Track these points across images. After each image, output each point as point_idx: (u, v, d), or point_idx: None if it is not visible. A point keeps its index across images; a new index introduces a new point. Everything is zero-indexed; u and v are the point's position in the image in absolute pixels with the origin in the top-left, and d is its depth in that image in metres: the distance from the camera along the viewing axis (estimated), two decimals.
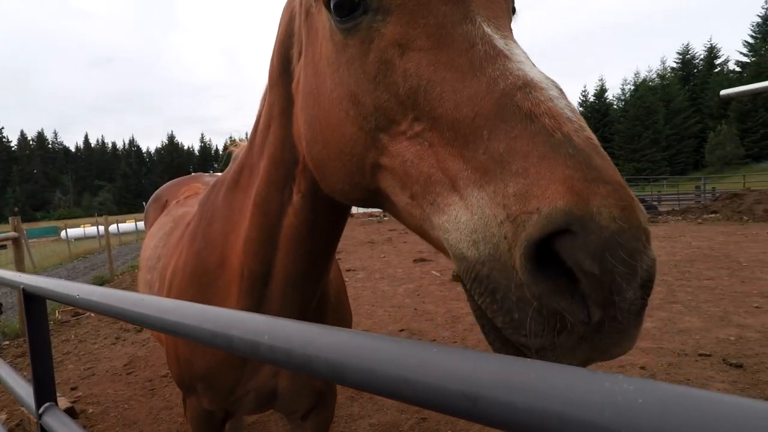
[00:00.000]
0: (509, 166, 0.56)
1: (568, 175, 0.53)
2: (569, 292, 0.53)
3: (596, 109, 79.61)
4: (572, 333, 0.54)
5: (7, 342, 6.76)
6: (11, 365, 5.54)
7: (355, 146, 0.79)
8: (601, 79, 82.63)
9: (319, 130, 0.87)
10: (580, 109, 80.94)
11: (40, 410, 1.29)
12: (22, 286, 1.32)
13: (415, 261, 11.32)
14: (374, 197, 0.84)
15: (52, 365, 1.34)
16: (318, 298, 1.41)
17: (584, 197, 0.52)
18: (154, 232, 2.49)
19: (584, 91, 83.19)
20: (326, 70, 0.84)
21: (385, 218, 32.56)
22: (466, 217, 0.61)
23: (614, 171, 0.56)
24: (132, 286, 10.88)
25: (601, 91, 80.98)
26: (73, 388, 4.91)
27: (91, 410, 4.38)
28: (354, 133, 0.78)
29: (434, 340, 5.60)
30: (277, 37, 1.14)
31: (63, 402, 4.17)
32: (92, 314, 8.04)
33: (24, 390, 1.47)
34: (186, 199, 2.61)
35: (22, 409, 4.17)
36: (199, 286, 1.45)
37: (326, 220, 1.17)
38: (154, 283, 2.05)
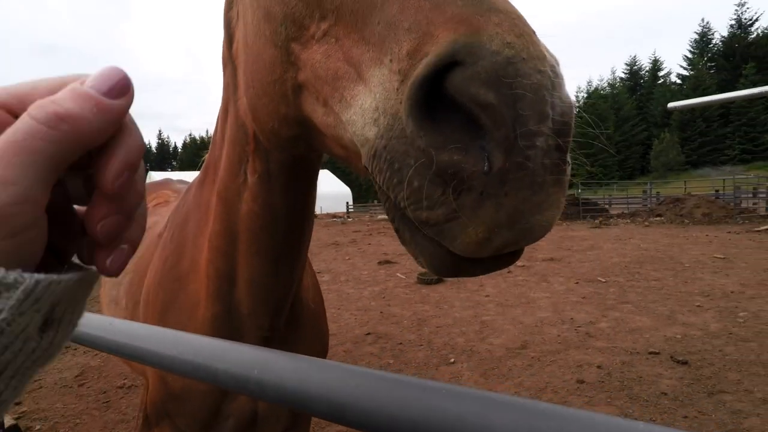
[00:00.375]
0: (402, 25, 0.51)
1: (458, 12, 0.47)
2: (466, 139, 0.45)
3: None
4: (472, 190, 0.45)
5: None
6: None
7: (274, 70, 0.75)
8: (589, 82, 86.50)
9: (250, 73, 0.86)
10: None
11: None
12: None
13: (380, 263, 11.36)
14: (302, 129, 0.79)
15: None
16: (292, 306, 1.38)
17: (473, 26, 0.45)
18: None
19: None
20: (248, 4, 0.83)
21: (349, 219, 32.44)
22: (369, 99, 0.55)
23: (513, 6, 0.50)
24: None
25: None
26: (17, 403, 4.56)
27: (38, 427, 4.10)
28: (272, 55, 0.74)
29: (400, 343, 5.65)
30: (223, 10, 1.09)
31: (6, 419, 3.88)
32: None
33: None
34: (155, 207, 2.50)
35: None
36: (171, 294, 1.39)
37: (286, 205, 1.09)
38: (120, 300, 1.96)
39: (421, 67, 0.46)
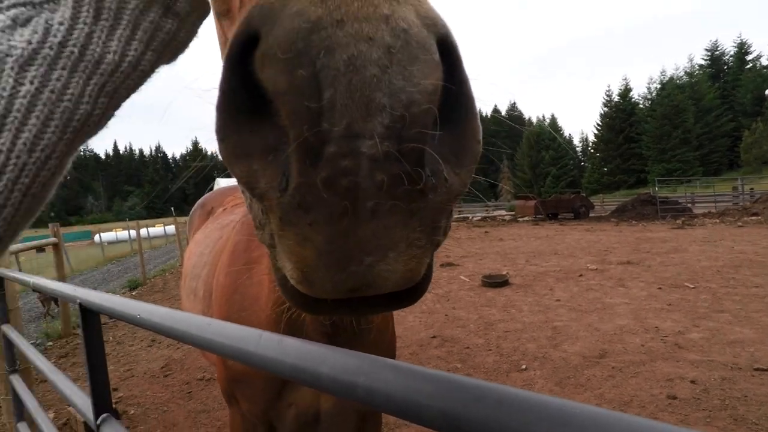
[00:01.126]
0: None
1: None
2: (267, 142, 0.32)
3: (621, 109, 77.62)
4: (273, 212, 0.32)
5: (51, 343, 6.99)
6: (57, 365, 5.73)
7: None
8: (625, 79, 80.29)
9: None
10: (605, 109, 79.16)
11: (98, 421, 1.29)
12: (78, 301, 1.31)
13: (442, 265, 11.20)
14: None
15: (108, 377, 1.33)
16: None
17: None
18: (200, 240, 2.49)
19: (608, 91, 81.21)
20: None
21: None
22: None
23: None
24: (164, 289, 11.13)
25: (626, 91, 78.84)
26: (114, 389, 5.01)
27: (132, 411, 4.46)
28: None
29: (467, 347, 5.50)
30: None
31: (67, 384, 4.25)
32: None
33: (81, 400, 1.48)
34: (233, 208, 2.61)
35: (69, 408, 4.28)
36: (238, 278, 1.40)
37: None
38: (198, 291, 2.04)
39: (226, 51, 0.33)
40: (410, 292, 0.38)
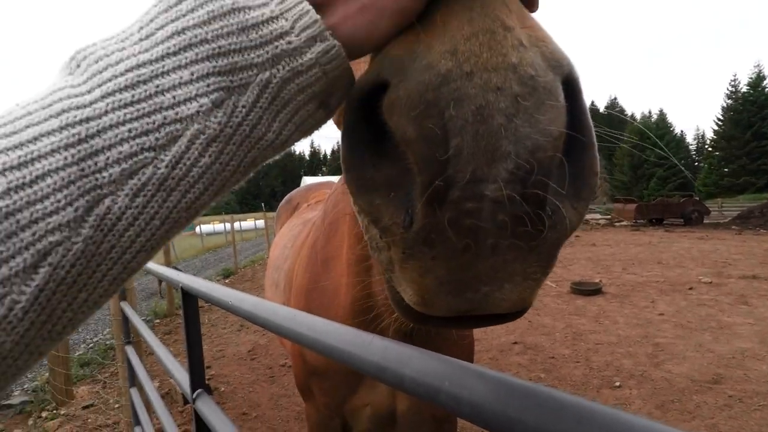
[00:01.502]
0: None
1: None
2: (391, 182, 0.34)
3: (751, 101, 67.13)
4: (396, 245, 0.34)
5: (158, 320, 7.87)
6: (162, 341, 6.43)
7: None
8: (758, 65, 68.95)
9: None
10: (729, 101, 69.08)
11: (194, 395, 1.38)
12: (180, 285, 1.43)
13: None
14: None
15: (203, 356, 1.43)
16: None
17: (416, 32, 0.32)
18: (284, 233, 2.58)
19: (734, 80, 70.78)
20: None
21: None
22: None
23: None
24: (253, 279, 11.99)
25: (758, 80, 67.96)
26: (207, 367, 5.47)
27: (222, 388, 4.83)
28: None
29: (552, 357, 5.13)
30: None
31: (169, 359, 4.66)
32: None
33: (180, 375, 1.60)
34: (316, 204, 2.69)
35: (171, 380, 4.75)
36: (316, 275, 1.42)
37: None
38: (279, 283, 2.12)
39: (354, 89, 0.36)
40: (517, 311, 0.39)
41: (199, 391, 1.38)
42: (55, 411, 4.39)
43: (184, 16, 0.32)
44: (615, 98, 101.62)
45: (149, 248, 0.32)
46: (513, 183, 0.29)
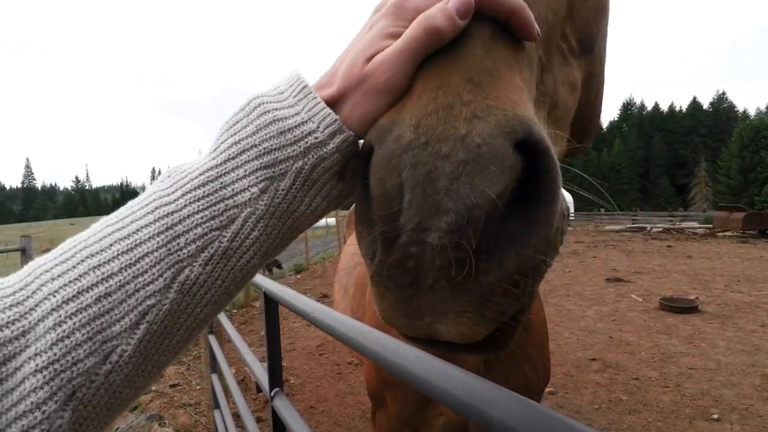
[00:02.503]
0: None
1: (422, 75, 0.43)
2: (372, 222, 0.42)
3: None
4: (368, 269, 0.43)
5: (235, 310, 8.45)
6: (238, 330, 6.87)
7: None
8: None
9: None
10: None
11: (272, 393, 1.47)
12: (263, 290, 1.53)
13: (608, 280, 9.87)
14: None
15: (281, 357, 1.51)
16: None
17: (401, 104, 0.42)
18: (355, 238, 2.63)
19: None
20: None
21: (569, 228, 29.56)
22: None
23: (481, 61, 0.40)
24: (323, 276, 12.39)
25: None
26: None
27: (292, 381, 5.05)
28: None
29: (636, 378, 4.68)
30: None
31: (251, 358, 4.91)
32: None
33: (258, 370, 1.70)
34: None
35: (245, 368, 5.06)
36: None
37: None
38: (349, 288, 2.16)
39: (361, 150, 0.45)
40: (489, 345, 0.42)
41: (276, 389, 1.48)
42: None
43: (239, 131, 0.44)
44: (723, 93, 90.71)
45: (214, 303, 0.42)
46: (450, 233, 0.35)
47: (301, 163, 0.43)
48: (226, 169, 0.42)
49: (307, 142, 0.43)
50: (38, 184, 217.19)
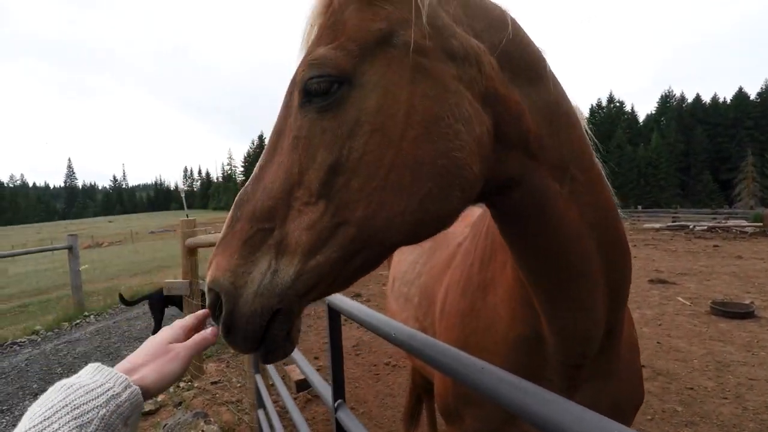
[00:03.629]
0: None
1: None
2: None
3: None
4: None
5: None
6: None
7: None
8: None
9: None
10: None
11: (335, 405, 1.46)
12: (327, 301, 1.49)
13: (651, 281, 9.44)
14: None
15: (343, 369, 1.48)
16: (609, 333, 1.12)
17: None
18: (410, 248, 2.54)
19: None
20: None
21: None
22: None
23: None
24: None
25: None
26: (315, 357, 5.77)
27: (329, 381, 5.04)
28: None
29: (691, 388, 4.44)
30: None
31: (296, 373, 4.91)
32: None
33: (318, 382, 1.70)
34: (459, 222, 2.63)
35: (285, 367, 5.10)
36: (472, 302, 1.36)
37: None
38: (412, 297, 2.10)
39: None
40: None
41: (339, 401, 1.46)
42: (189, 383, 4.99)
43: (51, 400, 0.57)
44: None
45: None
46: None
47: (104, 410, 0.57)
48: (43, 426, 0.53)
49: (107, 395, 0.59)
50: (79, 184, 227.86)
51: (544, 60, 0.95)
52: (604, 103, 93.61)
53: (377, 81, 0.77)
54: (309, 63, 0.79)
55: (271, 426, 2.95)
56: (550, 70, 0.96)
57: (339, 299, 1.43)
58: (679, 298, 7.97)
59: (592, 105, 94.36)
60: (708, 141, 79.21)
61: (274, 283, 0.74)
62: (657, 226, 24.07)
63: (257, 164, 0.84)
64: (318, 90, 0.77)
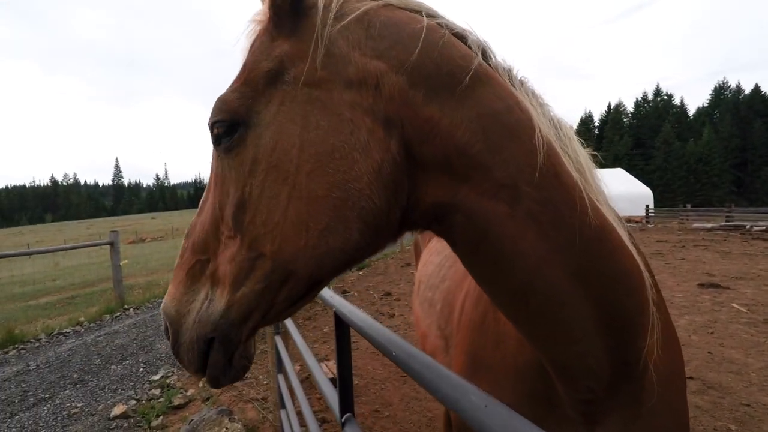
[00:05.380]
0: None
1: None
2: None
3: None
4: None
5: None
6: (300, 325, 6.97)
7: None
8: None
9: None
10: None
11: (342, 419, 1.40)
12: (334, 309, 1.42)
13: (701, 285, 8.81)
14: None
15: (352, 382, 1.41)
16: (625, 364, 0.97)
17: None
18: (439, 249, 2.41)
19: None
20: None
21: (650, 225, 27.14)
22: None
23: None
24: (385, 273, 12.30)
25: None
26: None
27: (356, 381, 4.96)
28: None
29: (748, 405, 4.04)
30: None
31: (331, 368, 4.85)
32: (356, 293, 9.43)
33: (329, 392, 1.64)
34: None
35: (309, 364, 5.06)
36: (483, 315, 1.26)
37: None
38: (435, 303, 2.01)
39: None
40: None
41: (347, 415, 1.41)
42: None
43: None
44: None
45: None
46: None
47: None
48: None
49: None
50: (126, 182, 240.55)
51: (476, 69, 0.82)
52: (650, 96, 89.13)
53: (271, 119, 0.80)
54: (214, 105, 0.83)
55: (292, 428, 2.90)
56: (495, 79, 0.84)
57: (348, 309, 1.33)
58: (734, 305, 7.37)
59: (636, 99, 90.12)
60: None
61: (209, 312, 0.79)
62: (708, 225, 22.64)
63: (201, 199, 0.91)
64: (220, 133, 0.82)
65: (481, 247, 0.82)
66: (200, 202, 0.89)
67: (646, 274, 0.93)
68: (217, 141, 0.84)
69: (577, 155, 0.91)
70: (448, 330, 1.71)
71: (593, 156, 1.00)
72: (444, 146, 0.78)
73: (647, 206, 33.98)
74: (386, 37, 0.82)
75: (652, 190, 44.93)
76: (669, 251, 14.19)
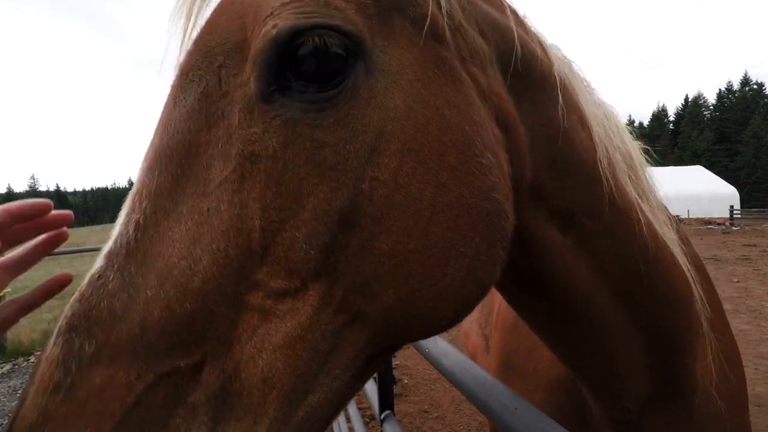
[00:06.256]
0: None
1: None
2: None
3: None
4: None
5: None
6: None
7: None
8: None
9: None
10: None
11: (382, 416, 1.45)
12: None
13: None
14: None
15: (393, 378, 1.48)
16: (672, 381, 0.89)
17: None
18: None
19: None
20: None
21: (735, 228, 24.60)
22: None
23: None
24: None
25: None
26: (392, 356, 5.69)
27: (406, 381, 4.92)
28: None
29: None
30: None
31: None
32: None
33: (371, 392, 1.71)
34: None
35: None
36: (516, 320, 1.19)
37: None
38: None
39: None
40: None
41: (387, 413, 1.44)
42: None
43: None
44: None
45: None
46: None
47: None
48: None
49: None
50: None
51: (554, 77, 0.69)
52: (736, 86, 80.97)
53: (398, 69, 0.50)
54: (297, 12, 0.45)
55: (339, 426, 2.94)
56: (565, 86, 0.70)
57: None
58: None
59: (720, 89, 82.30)
60: None
61: None
62: None
63: (120, 224, 0.46)
64: (318, 69, 0.45)
65: (536, 279, 0.71)
66: (125, 236, 0.45)
67: (695, 289, 0.85)
68: (284, 87, 0.46)
69: (626, 146, 0.82)
70: (487, 329, 1.66)
71: (645, 151, 0.92)
72: (526, 163, 0.67)
73: (731, 207, 30.83)
74: (484, 13, 0.67)
75: (738, 189, 40.81)
76: (758, 256, 12.78)
